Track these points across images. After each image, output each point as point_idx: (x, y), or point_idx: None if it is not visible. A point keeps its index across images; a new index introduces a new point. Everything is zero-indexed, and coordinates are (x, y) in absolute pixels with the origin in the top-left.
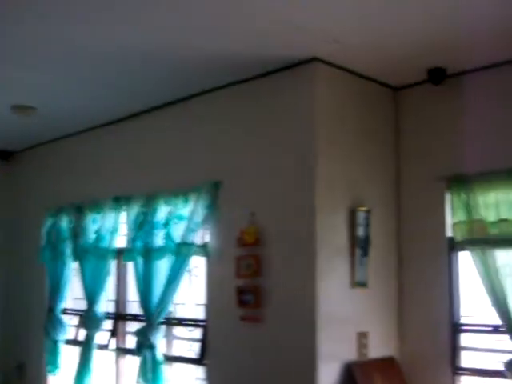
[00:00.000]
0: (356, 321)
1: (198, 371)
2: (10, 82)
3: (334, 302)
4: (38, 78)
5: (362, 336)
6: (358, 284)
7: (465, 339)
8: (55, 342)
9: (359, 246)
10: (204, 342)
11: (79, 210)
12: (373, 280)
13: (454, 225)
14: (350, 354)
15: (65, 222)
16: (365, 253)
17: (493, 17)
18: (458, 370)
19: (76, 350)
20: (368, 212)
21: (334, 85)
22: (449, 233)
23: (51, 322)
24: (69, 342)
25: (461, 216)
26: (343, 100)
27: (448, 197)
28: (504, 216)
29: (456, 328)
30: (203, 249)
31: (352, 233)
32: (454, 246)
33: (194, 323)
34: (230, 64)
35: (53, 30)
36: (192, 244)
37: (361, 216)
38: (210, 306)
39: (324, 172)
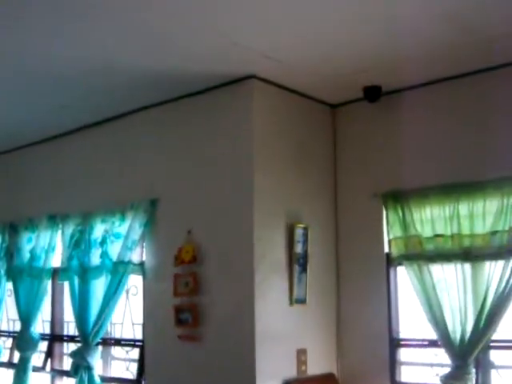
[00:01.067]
0: (295, 338)
1: None
2: None
3: (273, 319)
4: None
5: (302, 353)
6: (297, 301)
7: (403, 354)
8: None
9: (298, 262)
10: (142, 362)
11: (13, 229)
12: (312, 296)
13: (391, 240)
14: (290, 371)
15: None
16: (303, 269)
17: (426, 36)
18: None
19: (10, 373)
20: (306, 228)
21: (271, 102)
22: (386, 249)
23: None
24: (3, 364)
25: (397, 232)
26: (281, 117)
27: (384, 213)
28: (439, 231)
29: (395, 343)
30: (140, 267)
31: (290, 249)
32: (391, 261)
33: (132, 343)
34: (168, 80)
35: None
36: (129, 262)
37: (299, 232)
38: (147, 326)
39: (262, 189)
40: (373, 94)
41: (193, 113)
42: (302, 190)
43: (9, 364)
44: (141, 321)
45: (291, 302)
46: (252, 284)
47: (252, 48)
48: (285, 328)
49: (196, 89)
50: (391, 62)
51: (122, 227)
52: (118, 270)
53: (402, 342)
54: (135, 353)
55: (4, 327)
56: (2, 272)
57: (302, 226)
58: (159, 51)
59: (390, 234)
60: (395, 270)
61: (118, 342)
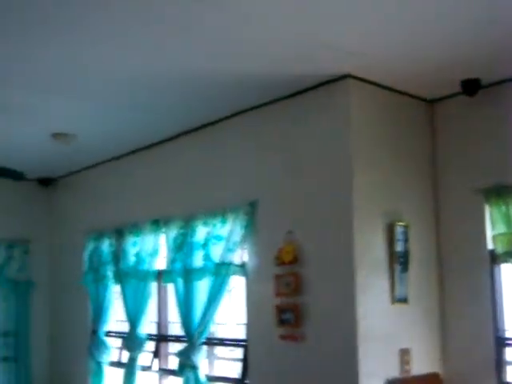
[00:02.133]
0: (398, 337)
1: None
2: (49, 110)
3: (375, 318)
4: (77, 105)
5: (405, 352)
6: (399, 300)
7: (510, 353)
8: (99, 364)
9: (398, 261)
10: (245, 361)
11: (119, 234)
12: (413, 295)
13: (495, 237)
14: (393, 370)
15: (106, 246)
16: (404, 268)
17: None
18: None
19: (120, 372)
20: (406, 227)
21: (367, 100)
22: (490, 245)
23: (95, 344)
24: (112, 363)
25: (501, 228)
26: (378, 115)
27: (487, 209)
28: None
29: (500, 342)
30: (242, 268)
31: (391, 248)
32: (495, 258)
33: (235, 343)
34: (264, 84)
35: (91, 57)
36: (231, 264)
37: (399, 231)
38: (250, 326)
39: (361, 188)
40: (471, 87)
41: (290, 114)
42: (401, 187)
43: (118, 363)
44: (244, 321)
45: (393, 301)
46: (353, 283)
47: (346, 47)
48: (387, 327)
49: (292, 91)
50: (489, 53)
51: (223, 229)
52: (221, 271)
53: (509, 342)
54: (239, 352)
55: (113, 328)
56: (110, 275)
57: (402, 224)
58: (253, 57)
59: (493, 230)
60: (499, 268)
61: (222, 342)
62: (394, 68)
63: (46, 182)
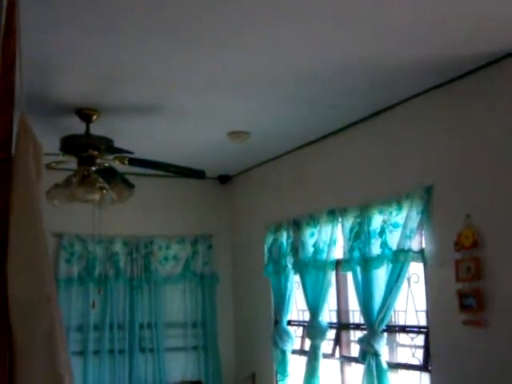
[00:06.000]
0: None
1: (423, 378)
2: (225, 110)
3: None
4: (250, 104)
5: None
6: None
7: None
8: (283, 352)
9: None
10: (427, 348)
11: (297, 225)
12: None
13: None
14: None
15: (284, 238)
16: None
17: None
18: None
19: (303, 359)
20: None
21: None
22: None
23: (278, 333)
24: (295, 351)
25: None
26: None
27: None
28: None
29: None
30: (420, 254)
31: None
32: None
33: (417, 330)
34: (431, 68)
35: (258, 54)
36: (409, 251)
37: None
38: (431, 312)
39: None
40: None
41: (464, 95)
42: None
43: (301, 351)
44: (424, 307)
45: None
46: None
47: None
48: None
49: (461, 73)
50: None
51: (399, 216)
52: (399, 258)
53: None
54: (420, 339)
55: (294, 317)
56: (290, 266)
57: None
58: (424, 40)
59: None
60: None
61: (403, 329)
62: None
63: (224, 180)
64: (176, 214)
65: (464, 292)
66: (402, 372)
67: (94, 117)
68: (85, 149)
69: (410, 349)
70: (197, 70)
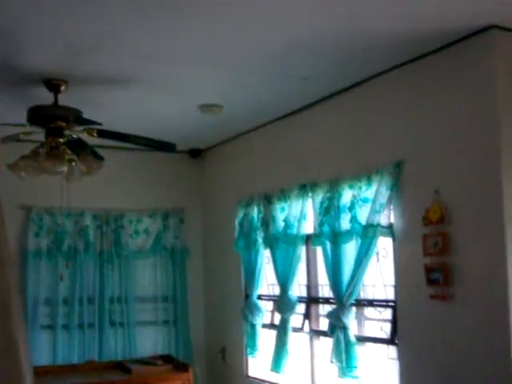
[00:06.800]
0: None
1: (390, 351)
2: (197, 82)
3: None
4: (221, 75)
5: None
6: None
7: None
8: (253, 326)
9: None
10: (394, 322)
11: (268, 200)
12: None
13: None
14: None
15: (255, 212)
16: None
17: None
18: None
19: (272, 333)
20: None
21: None
22: None
23: (248, 307)
24: (265, 325)
25: None
26: None
27: None
28: None
29: None
30: (389, 229)
31: None
32: None
33: (384, 304)
34: (405, 42)
35: (231, 26)
36: (378, 225)
37: None
38: (399, 286)
39: (509, 144)
40: None
41: (432, 71)
42: None
43: (270, 325)
44: (392, 282)
45: None
46: (503, 241)
47: None
48: None
49: (433, 47)
50: None
51: (368, 191)
52: (368, 233)
53: None
54: (388, 313)
55: (264, 292)
56: (260, 240)
57: None
58: (398, 13)
59: None
60: None
61: (371, 303)
62: None
63: (195, 153)
64: (147, 188)
65: (431, 266)
66: (370, 345)
67: (63, 87)
68: (53, 120)
69: (378, 322)
70: (169, 40)
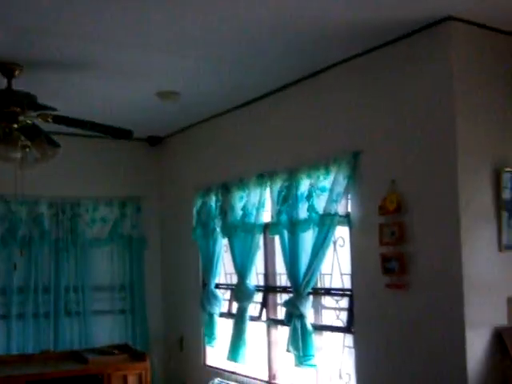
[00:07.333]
0: (505, 285)
1: (347, 339)
2: (154, 68)
3: (481, 266)
4: (180, 62)
5: None
6: (507, 247)
7: None
8: (211, 315)
9: (506, 209)
10: (351, 310)
11: (226, 189)
12: None
13: None
14: (500, 319)
15: (213, 201)
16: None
17: None
18: None
19: (230, 322)
20: None
21: (472, 43)
22: None
23: (206, 296)
24: (223, 314)
25: None
26: (483, 58)
27: None
28: None
29: None
30: (346, 219)
31: (497, 195)
32: None
33: (341, 292)
34: (363, 31)
35: (190, 13)
36: (335, 215)
37: (506, 177)
38: (355, 275)
39: (465, 134)
40: None
41: (390, 62)
42: (508, 132)
43: (228, 314)
44: (349, 271)
45: (500, 249)
46: (458, 231)
47: None
48: (494, 275)
49: (392, 37)
50: None
51: (326, 181)
52: (325, 222)
53: None
54: (345, 302)
55: (222, 280)
56: (218, 229)
57: (509, 170)
58: (354, 2)
59: None
60: None
61: (328, 292)
62: (500, 7)
63: (154, 141)
64: (104, 176)
65: (387, 256)
66: (327, 334)
67: (17, 72)
68: (6, 105)
69: (335, 311)
70: (126, 25)
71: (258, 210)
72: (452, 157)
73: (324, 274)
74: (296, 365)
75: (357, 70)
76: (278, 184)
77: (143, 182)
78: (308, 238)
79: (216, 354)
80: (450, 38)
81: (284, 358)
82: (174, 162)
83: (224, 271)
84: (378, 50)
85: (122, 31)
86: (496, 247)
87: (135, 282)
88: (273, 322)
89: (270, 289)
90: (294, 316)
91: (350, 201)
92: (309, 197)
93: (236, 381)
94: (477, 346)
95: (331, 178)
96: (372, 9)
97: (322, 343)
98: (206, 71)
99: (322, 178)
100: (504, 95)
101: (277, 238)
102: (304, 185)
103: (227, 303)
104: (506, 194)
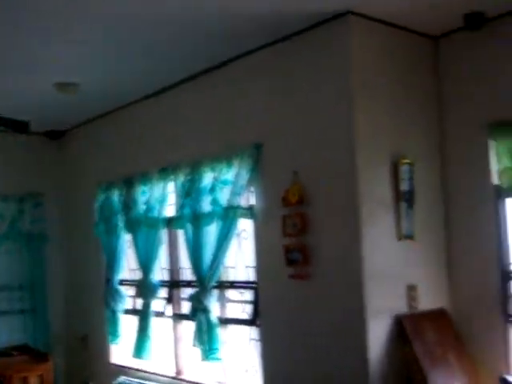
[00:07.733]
0: (405, 273)
1: (252, 332)
2: (50, 59)
3: (381, 255)
4: (78, 52)
5: (411, 289)
6: (405, 237)
7: None
8: (114, 313)
9: (404, 199)
10: (256, 303)
11: (129, 183)
12: (420, 232)
13: (500, 172)
14: (400, 307)
15: (116, 196)
16: (410, 205)
17: None
18: (509, 318)
19: (134, 319)
20: (411, 165)
21: (369, 37)
22: (495, 180)
23: (110, 293)
24: (127, 311)
25: (506, 162)
26: (381, 52)
27: (492, 143)
28: None
29: (506, 276)
30: (249, 211)
31: (396, 186)
32: (500, 193)
33: (245, 285)
34: (264, 25)
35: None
36: (238, 207)
37: (404, 169)
38: (259, 267)
39: (363, 127)
40: (475, 21)
41: (291, 55)
42: (405, 125)
43: (133, 311)
44: (253, 263)
45: (399, 238)
46: (358, 221)
47: None
48: (393, 264)
49: (292, 31)
50: None
51: (229, 173)
52: (228, 215)
53: None
54: (249, 294)
55: (126, 276)
56: (121, 224)
57: (406, 161)
58: None
59: (498, 165)
60: (504, 202)
61: (233, 285)
62: (396, 3)
63: (54, 135)
64: (0, 172)
65: (290, 247)
66: (232, 327)
67: None
68: None
69: (240, 304)
70: (18, 12)
71: (161, 204)
72: (351, 149)
73: (228, 267)
74: (202, 359)
75: (260, 62)
76: (182, 177)
77: (43, 178)
78: (212, 232)
79: (121, 352)
80: (349, 32)
81: (190, 353)
82: (76, 156)
83: (128, 267)
84: (280, 43)
85: (14, 18)
86: (395, 236)
87: (36, 280)
88: (178, 317)
89: (174, 284)
90: (198, 310)
91: (253, 193)
92: (212, 190)
93: (142, 378)
94: (378, 334)
95: (234, 170)
96: (274, 2)
97: (227, 337)
98: (105, 61)
99: (224, 170)
100: (401, 89)
101: (181, 232)
102: (207, 178)
103: (132, 300)
104: (403, 186)
